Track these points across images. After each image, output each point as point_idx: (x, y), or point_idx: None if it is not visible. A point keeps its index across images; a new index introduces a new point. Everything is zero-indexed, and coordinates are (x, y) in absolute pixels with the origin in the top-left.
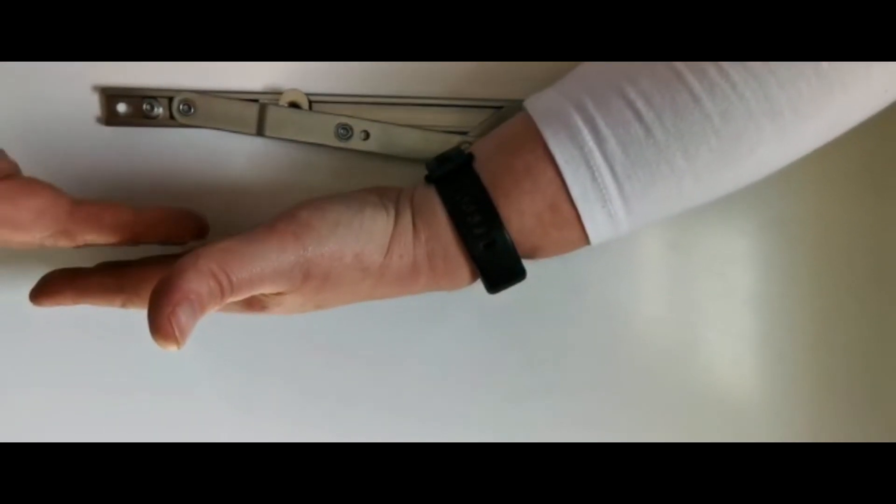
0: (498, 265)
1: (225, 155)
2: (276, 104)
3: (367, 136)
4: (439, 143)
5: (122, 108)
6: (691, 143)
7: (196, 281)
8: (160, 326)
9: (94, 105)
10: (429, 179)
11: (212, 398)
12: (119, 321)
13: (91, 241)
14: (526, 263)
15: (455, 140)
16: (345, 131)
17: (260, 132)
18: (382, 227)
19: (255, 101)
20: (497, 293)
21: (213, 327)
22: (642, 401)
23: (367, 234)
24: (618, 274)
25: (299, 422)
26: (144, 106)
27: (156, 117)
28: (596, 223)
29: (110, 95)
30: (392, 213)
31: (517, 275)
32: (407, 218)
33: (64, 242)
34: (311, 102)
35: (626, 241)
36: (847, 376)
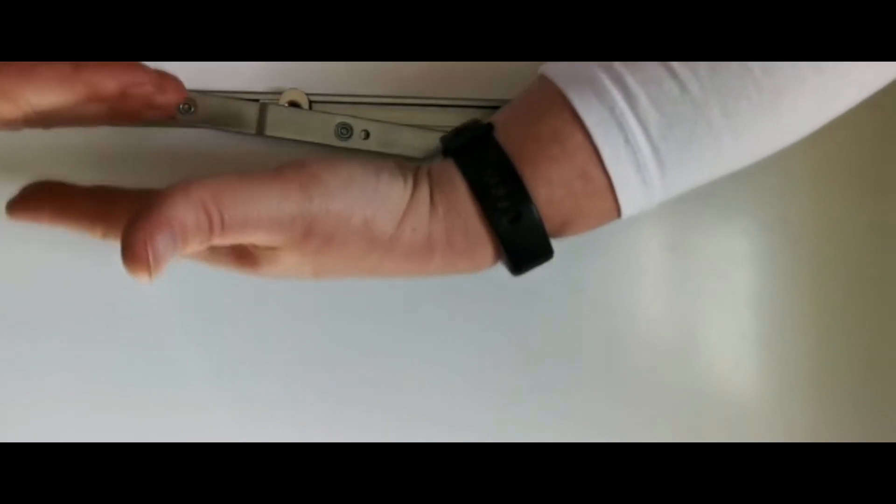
0: (524, 242)
1: (225, 155)
2: (276, 104)
3: (367, 135)
4: (439, 143)
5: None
6: (730, 97)
7: (183, 208)
8: (134, 249)
9: None
10: (446, 152)
11: (212, 398)
12: (119, 321)
13: (36, 103)
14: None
15: None
16: (345, 131)
17: (260, 132)
18: (398, 194)
19: (256, 100)
20: (520, 275)
21: (212, 327)
22: (642, 401)
23: (381, 199)
24: (618, 274)
25: (299, 422)
26: None
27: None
28: (629, 190)
29: None
30: (410, 183)
31: (544, 253)
32: (424, 190)
33: (6, 107)
34: (311, 102)
35: (626, 241)
36: (847, 376)
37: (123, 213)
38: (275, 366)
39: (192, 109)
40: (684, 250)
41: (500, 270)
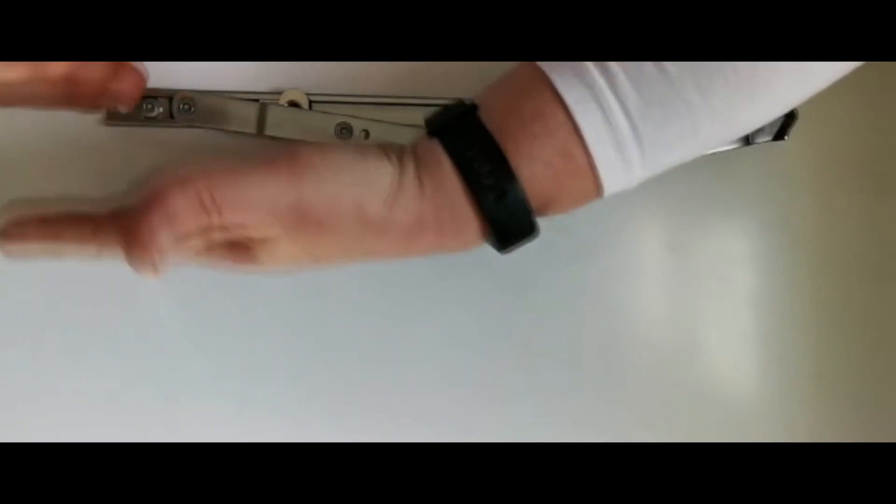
0: (509, 219)
1: (225, 155)
2: (276, 104)
3: (367, 135)
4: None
5: (122, 107)
6: (705, 76)
7: (183, 206)
8: (138, 250)
9: None
10: (430, 132)
11: (211, 398)
12: (119, 321)
13: None
14: (528, 260)
15: None
16: (345, 131)
17: (260, 132)
18: (386, 176)
19: (256, 100)
20: (507, 253)
21: (213, 327)
22: (642, 401)
23: (370, 182)
24: (618, 274)
25: (299, 422)
26: (144, 105)
27: (156, 117)
28: (610, 168)
29: None
30: (396, 164)
31: (529, 230)
32: (410, 171)
33: None
34: (311, 102)
35: (626, 241)
36: (847, 376)
37: (114, 228)
38: (274, 366)
39: (192, 109)
40: (684, 250)
41: (500, 271)
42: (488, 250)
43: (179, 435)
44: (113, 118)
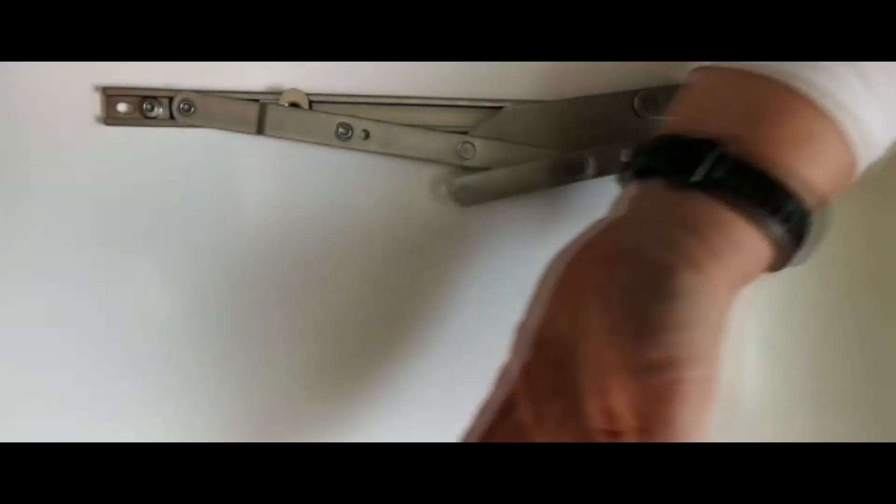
0: (798, 240)
1: (225, 155)
2: (276, 104)
3: (367, 135)
4: (439, 143)
5: (122, 107)
6: None
7: None
8: None
9: (94, 105)
10: (687, 184)
11: (211, 398)
12: (119, 322)
13: None
14: (529, 260)
15: (455, 140)
16: (345, 131)
17: (260, 132)
18: (697, 284)
19: (255, 100)
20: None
21: (213, 327)
22: None
23: (701, 305)
24: None
25: (299, 422)
26: (144, 106)
27: (156, 117)
28: (867, 163)
29: (110, 95)
30: (681, 260)
31: (807, 238)
32: (700, 251)
33: None
34: (311, 102)
35: None
36: (847, 376)
37: None
38: (275, 365)
39: (192, 109)
40: None
41: (501, 271)
42: (483, 249)
43: (179, 435)
44: (113, 118)
